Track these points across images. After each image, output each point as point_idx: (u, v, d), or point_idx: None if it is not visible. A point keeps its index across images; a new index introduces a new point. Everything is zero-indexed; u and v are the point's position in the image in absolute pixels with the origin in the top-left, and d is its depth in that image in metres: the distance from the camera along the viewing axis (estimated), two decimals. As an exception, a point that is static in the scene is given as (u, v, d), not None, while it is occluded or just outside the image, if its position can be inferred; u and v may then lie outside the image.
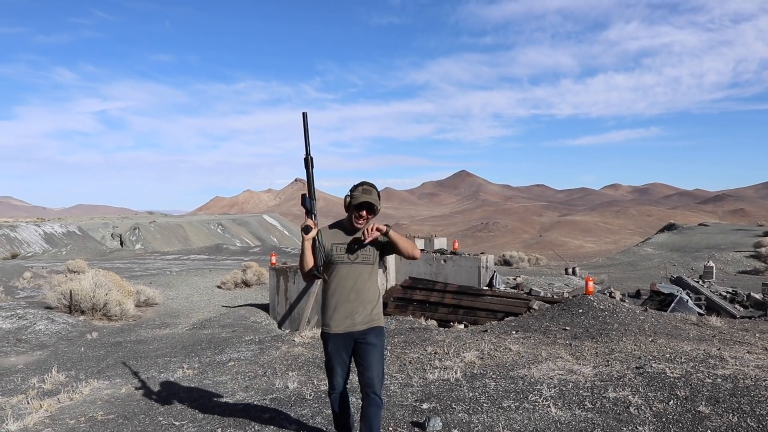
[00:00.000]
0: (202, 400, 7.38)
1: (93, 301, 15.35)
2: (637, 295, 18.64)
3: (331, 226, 4.87)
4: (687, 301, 15.63)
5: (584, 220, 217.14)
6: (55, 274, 24.39)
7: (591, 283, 11.87)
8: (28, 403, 7.77)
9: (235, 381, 8.33)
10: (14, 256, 47.71)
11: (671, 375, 6.83)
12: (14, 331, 13.08)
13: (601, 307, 10.89)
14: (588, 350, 8.52)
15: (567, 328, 10.06)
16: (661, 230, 56.17)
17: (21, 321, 13.78)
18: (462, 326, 12.18)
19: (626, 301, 15.53)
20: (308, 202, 4.60)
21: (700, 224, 58.65)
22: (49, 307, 15.48)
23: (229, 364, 9.50)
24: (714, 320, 11.12)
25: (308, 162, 4.68)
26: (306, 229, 4.53)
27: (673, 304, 14.90)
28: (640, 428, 5.34)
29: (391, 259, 15.89)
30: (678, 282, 20.24)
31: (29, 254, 53.07)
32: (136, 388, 8.35)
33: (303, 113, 4.67)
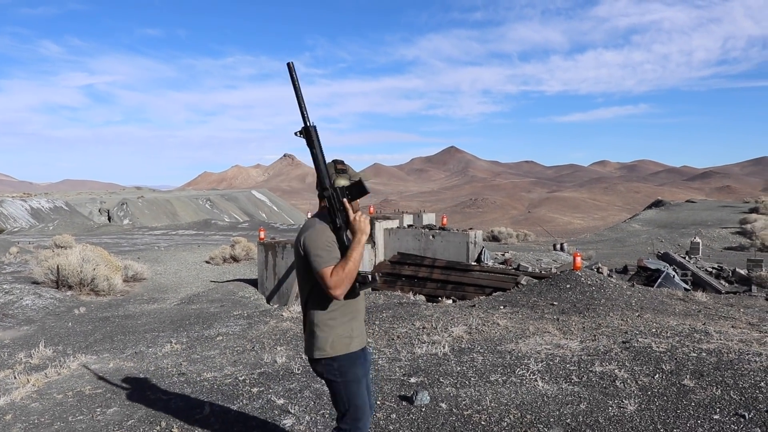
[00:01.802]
0: (191, 375, 7.38)
1: (80, 276, 15.28)
2: (625, 270, 18.73)
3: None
4: (673, 276, 15.73)
5: (573, 196, 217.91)
6: (42, 249, 24.25)
7: (579, 259, 11.92)
8: (15, 377, 7.76)
9: (223, 355, 8.33)
10: (0, 231, 47.41)
11: (657, 349, 6.88)
12: (0, 306, 13.02)
13: (589, 282, 10.94)
14: (575, 325, 8.57)
15: (554, 303, 10.11)
16: (649, 207, 56.45)
17: (7, 296, 13.71)
18: (450, 301, 12.22)
19: (613, 276, 15.64)
20: (340, 188, 3.53)
21: (687, 201, 58.99)
22: (36, 282, 15.40)
23: (218, 338, 9.50)
24: (700, 295, 11.21)
25: (310, 133, 3.50)
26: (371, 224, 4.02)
27: (659, 280, 14.99)
28: (626, 402, 5.39)
29: (379, 234, 15.88)
30: (665, 258, 20.35)
31: (15, 229, 52.76)
32: (124, 363, 8.34)
33: (288, 64, 3.48)
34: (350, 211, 3.46)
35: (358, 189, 3.52)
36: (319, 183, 3.52)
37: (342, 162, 3.65)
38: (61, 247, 23.56)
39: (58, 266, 15.39)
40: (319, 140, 3.49)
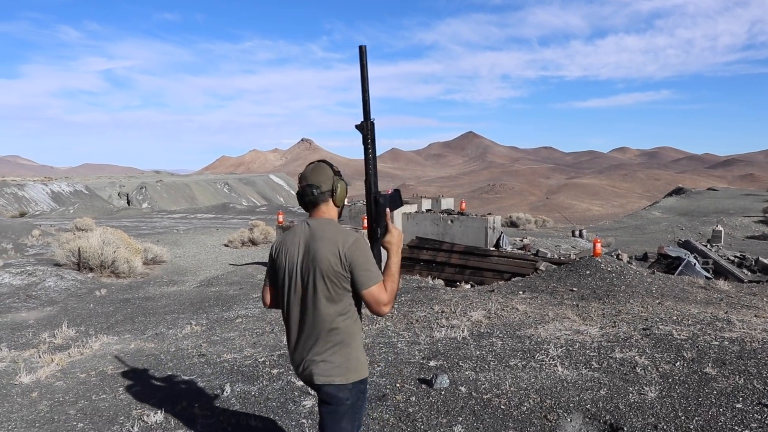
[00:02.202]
0: (210, 356, 7.43)
1: (101, 259, 15.42)
2: (645, 258, 18.62)
3: None
4: (695, 264, 15.61)
5: (591, 183, 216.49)
6: (63, 232, 24.50)
7: (599, 245, 11.84)
8: (40, 356, 7.86)
9: (242, 337, 8.39)
10: (22, 215, 47.94)
11: (678, 337, 6.83)
12: (24, 287, 13.19)
13: (609, 269, 10.88)
14: (595, 311, 8.53)
15: (574, 289, 10.07)
16: (669, 194, 55.96)
17: (31, 277, 13.88)
18: (468, 286, 12.21)
19: (633, 263, 15.54)
20: (382, 196, 3.30)
21: (708, 189, 58.40)
22: (58, 264, 15.57)
23: (237, 320, 9.56)
24: (722, 284, 11.11)
25: (367, 129, 3.26)
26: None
27: (680, 268, 14.88)
28: (647, 388, 5.36)
29: (398, 219, 15.87)
30: (686, 246, 20.20)
31: (37, 212, 53.33)
32: (145, 344, 8.42)
33: (360, 47, 3.19)
34: (390, 222, 3.25)
35: (398, 199, 3.38)
36: (369, 188, 3.28)
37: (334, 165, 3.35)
38: (82, 230, 23.77)
39: (79, 249, 15.54)
40: (375, 139, 3.25)
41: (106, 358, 7.71)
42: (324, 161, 3.28)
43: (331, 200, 3.22)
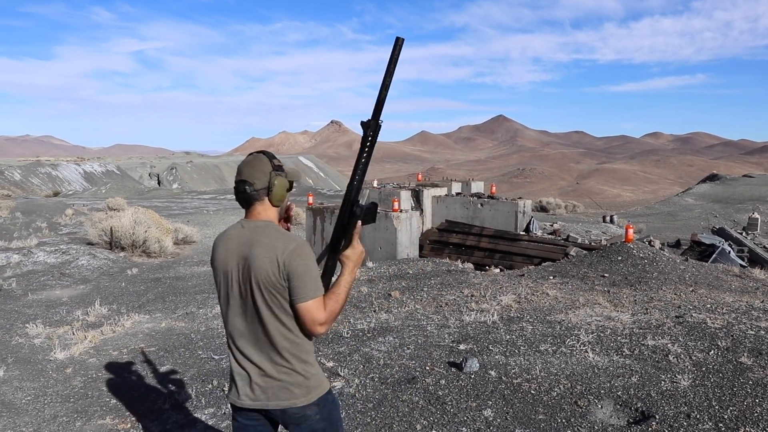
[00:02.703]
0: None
1: (132, 238, 15.60)
2: (677, 244, 18.38)
3: None
4: (729, 252, 15.35)
5: (623, 168, 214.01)
6: (95, 212, 24.83)
7: (631, 231, 11.69)
8: (74, 334, 7.99)
9: (272, 318, 8.44)
10: (56, 194, 48.68)
11: (712, 325, 6.72)
12: (58, 265, 13.40)
13: (641, 255, 10.74)
14: (626, 298, 8.43)
15: (605, 275, 9.97)
16: (703, 180, 55.07)
17: (64, 256, 14.10)
18: (498, 270, 12.15)
19: (666, 250, 15.34)
20: (359, 207, 2.92)
21: (744, 175, 57.32)
22: (90, 243, 15.79)
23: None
24: (757, 272, 10.91)
25: (373, 130, 2.85)
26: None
27: (714, 255, 14.65)
28: (679, 377, 5.29)
29: (427, 202, 15.82)
30: (720, 233, 19.89)
31: (70, 192, 54.12)
32: (176, 323, 8.51)
33: (397, 38, 2.81)
34: (357, 237, 2.88)
35: (374, 213, 2.97)
36: (349, 193, 2.86)
37: (275, 157, 2.94)
38: (114, 210, 24.08)
39: (111, 228, 15.73)
40: (375, 143, 2.87)
41: (137, 336, 7.81)
42: (264, 152, 2.90)
43: (266, 199, 2.84)
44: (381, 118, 2.82)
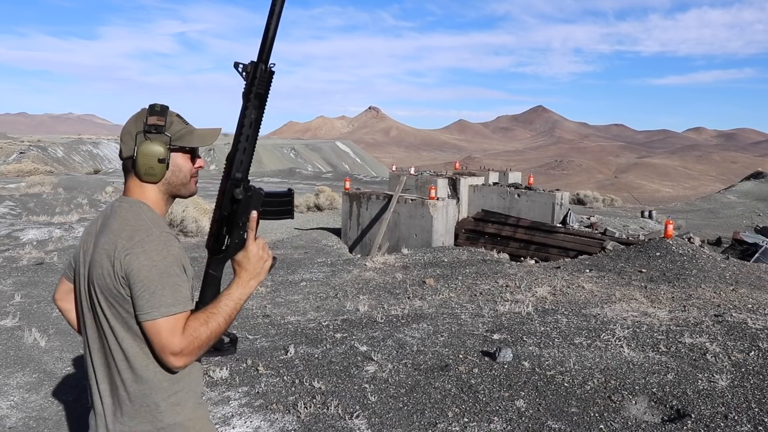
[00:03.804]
0: (275, 317, 7.57)
1: (170, 217, 15.81)
2: (718, 242, 18.04)
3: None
4: (771, 251, 15.01)
5: (663, 163, 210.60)
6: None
7: (671, 227, 11.51)
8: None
9: (306, 300, 8.50)
10: (96, 172, 49.53)
11: (753, 326, 6.60)
12: (98, 239, 13.64)
13: (680, 251, 10.57)
14: (664, 294, 8.32)
15: (643, 270, 9.84)
16: (747, 178, 53.85)
17: (104, 231, 14.35)
18: (533, 262, 12.07)
19: (706, 248, 15.08)
20: (250, 189, 2.03)
21: (789, 174, 56.00)
22: (130, 220, 16.03)
23: (301, 284, 9.69)
24: (800, 273, 10.67)
25: (256, 76, 1.96)
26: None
27: (757, 255, 14.35)
28: (717, 376, 5.21)
29: (464, 190, 15.76)
30: (763, 232, 19.46)
31: (110, 170, 54.96)
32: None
33: None
34: (253, 233, 2.02)
35: (282, 204, 2.13)
36: (229, 169, 2.00)
37: (164, 110, 2.03)
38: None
39: (151, 205, 15.96)
40: (265, 97, 1.99)
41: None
42: (151, 107, 2.02)
43: (132, 171, 2.03)
44: (272, 63, 1.98)
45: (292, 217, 2.14)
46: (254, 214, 2.00)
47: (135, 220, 1.96)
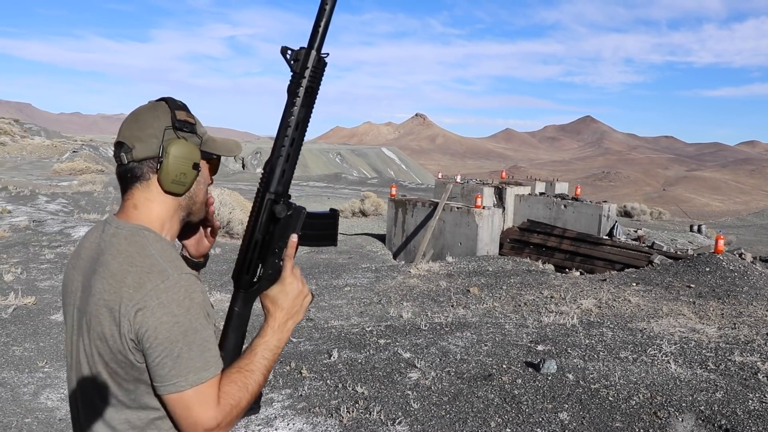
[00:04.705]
0: (318, 321, 7.64)
1: (217, 218, 16.06)
2: (770, 259, 17.61)
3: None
4: (825, 270, 14.61)
5: (714, 177, 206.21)
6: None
7: (721, 242, 11.29)
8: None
9: (350, 305, 8.56)
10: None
11: (806, 345, 6.44)
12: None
13: (731, 267, 10.36)
14: (713, 310, 8.17)
15: (691, 285, 9.67)
16: (800, 194, 52.41)
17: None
18: (578, 273, 11.95)
19: (758, 264, 14.74)
20: (292, 207, 1.63)
21: None
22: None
23: (345, 289, 9.75)
24: None
25: (308, 65, 1.59)
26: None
27: (809, 272, 13.98)
28: (768, 396, 5.11)
29: (510, 200, 15.69)
30: (816, 249, 18.93)
31: (160, 169, 56.11)
32: (256, 304, 8.73)
33: None
34: (291, 262, 1.61)
35: (324, 227, 1.73)
36: (266, 180, 1.61)
37: (185, 108, 1.65)
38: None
39: (199, 207, 16.25)
40: (315, 91, 1.62)
41: (218, 315, 8.06)
42: (165, 99, 1.64)
43: (154, 178, 1.57)
44: (325, 53, 1.61)
45: (335, 244, 1.73)
46: (294, 238, 1.60)
47: (141, 257, 1.48)
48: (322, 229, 1.71)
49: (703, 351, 6.26)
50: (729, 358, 6.05)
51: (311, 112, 1.61)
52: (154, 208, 1.58)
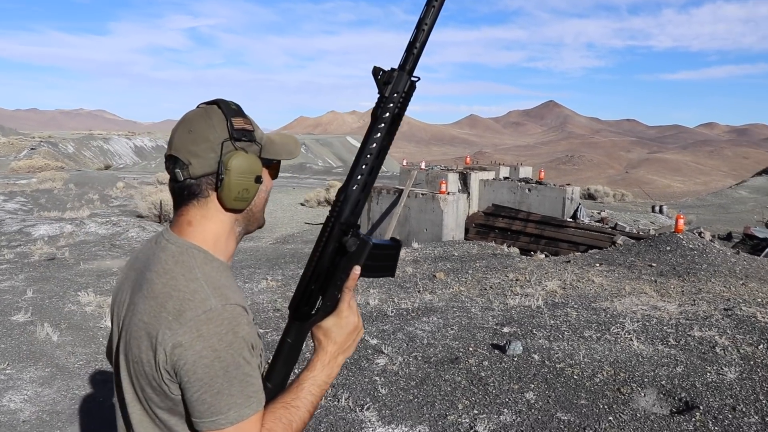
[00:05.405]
0: (285, 311, 7.61)
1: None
2: (728, 237, 18.00)
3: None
4: (783, 246, 14.98)
5: (674, 158, 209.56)
6: (145, 185, 25.37)
7: (681, 221, 11.51)
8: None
9: (317, 294, 8.56)
10: (107, 167, 49.82)
11: (762, 319, 6.61)
12: (109, 236, 13.75)
13: (690, 246, 10.57)
14: (674, 288, 8.33)
15: (653, 264, 9.84)
16: (759, 173, 53.52)
17: (115, 228, 14.46)
18: (543, 256, 12.09)
19: (716, 242, 15.06)
20: (360, 238, 1.50)
21: (802, 169, 55.62)
22: (140, 216, 16.18)
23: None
24: (811, 267, 10.64)
25: (398, 88, 1.44)
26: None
27: (767, 249, 14.33)
28: (726, 369, 5.23)
29: (474, 185, 15.78)
30: (773, 227, 19.39)
31: (121, 166, 55.33)
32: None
33: None
34: (350, 294, 1.52)
35: (388, 257, 1.58)
36: (339, 207, 1.46)
37: (241, 112, 1.50)
38: (163, 184, 24.54)
39: (160, 201, 16.09)
40: (401, 115, 1.49)
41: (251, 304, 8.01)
42: (220, 102, 1.48)
43: (213, 195, 1.46)
44: (416, 77, 1.47)
45: (393, 275, 1.60)
46: (357, 270, 1.50)
47: (185, 281, 1.38)
48: (383, 260, 1.57)
49: (664, 327, 6.39)
50: (689, 333, 6.19)
51: (392, 140, 1.49)
52: (211, 226, 1.47)
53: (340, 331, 1.49)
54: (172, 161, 1.44)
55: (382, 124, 1.45)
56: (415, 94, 1.47)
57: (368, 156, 1.45)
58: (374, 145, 1.45)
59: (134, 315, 1.41)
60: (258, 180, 1.46)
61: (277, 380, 1.50)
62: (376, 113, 1.45)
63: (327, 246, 1.47)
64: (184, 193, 1.45)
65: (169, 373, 1.33)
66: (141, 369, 1.37)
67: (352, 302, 1.51)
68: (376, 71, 1.46)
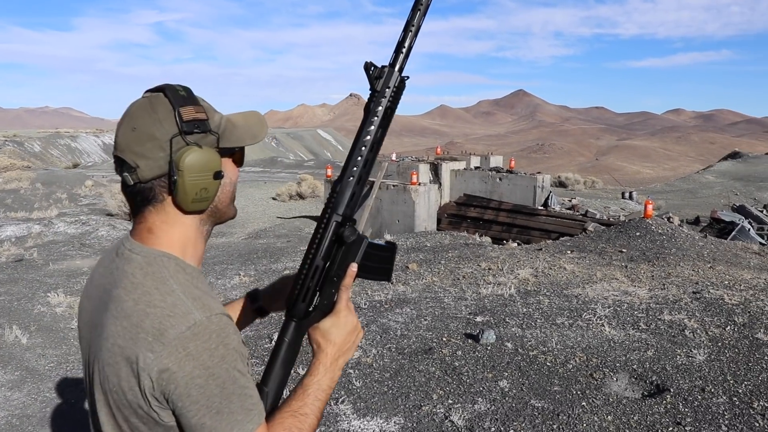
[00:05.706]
0: (260, 306, 7.59)
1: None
2: (696, 221, 18.26)
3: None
4: (749, 230, 15.24)
5: (643, 145, 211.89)
6: (114, 183, 25.03)
7: (650, 207, 11.65)
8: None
9: (290, 289, 8.52)
10: (75, 166, 49.10)
11: (729, 302, 6.72)
12: (78, 236, 13.56)
13: (659, 231, 10.71)
14: (644, 273, 8.43)
15: (623, 250, 9.95)
16: (725, 158, 54.37)
17: (84, 227, 14.27)
18: (515, 244, 12.17)
19: (685, 227, 15.27)
20: (358, 235, 1.49)
21: (767, 153, 56.61)
22: (110, 215, 15.97)
23: (285, 272, 9.70)
24: (777, 249, 10.84)
25: (388, 84, 1.48)
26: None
27: (734, 233, 14.57)
28: (695, 351, 5.32)
29: (446, 175, 15.82)
30: (740, 211, 19.72)
31: (89, 164, 54.53)
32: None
33: None
34: (347, 293, 1.46)
35: (382, 260, 1.54)
36: (332, 201, 1.47)
37: (191, 93, 1.37)
38: (134, 180, 24.30)
39: (132, 198, 15.90)
40: (393, 111, 1.53)
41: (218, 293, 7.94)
42: (166, 89, 1.32)
43: (169, 198, 1.32)
44: (406, 75, 1.51)
45: (390, 280, 1.57)
46: (354, 267, 1.46)
47: (160, 294, 1.25)
48: (379, 261, 1.53)
49: (635, 312, 6.47)
50: (659, 317, 6.27)
51: (386, 133, 1.52)
52: (173, 231, 1.33)
53: (339, 331, 1.42)
54: (119, 163, 1.30)
55: (375, 118, 1.47)
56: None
57: (362, 149, 1.47)
58: (368, 137, 1.47)
59: (105, 340, 1.26)
60: (218, 176, 1.33)
61: (275, 383, 1.44)
62: (369, 107, 1.47)
63: (323, 239, 1.44)
64: (137, 199, 1.32)
65: (158, 399, 1.21)
66: (122, 399, 1.24)
67: (350, 302, 1.46)
68: (367, 66, 1.48)
